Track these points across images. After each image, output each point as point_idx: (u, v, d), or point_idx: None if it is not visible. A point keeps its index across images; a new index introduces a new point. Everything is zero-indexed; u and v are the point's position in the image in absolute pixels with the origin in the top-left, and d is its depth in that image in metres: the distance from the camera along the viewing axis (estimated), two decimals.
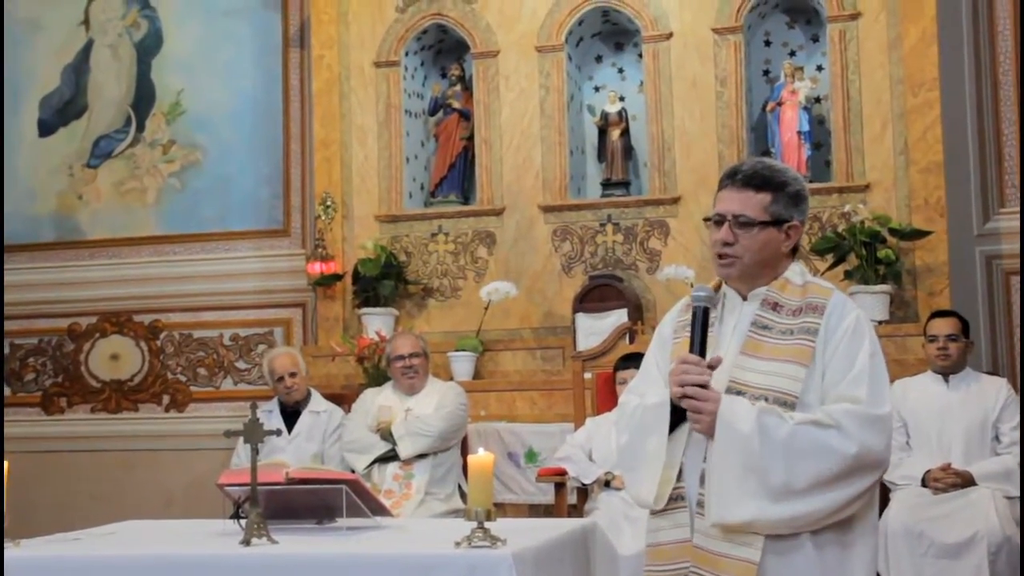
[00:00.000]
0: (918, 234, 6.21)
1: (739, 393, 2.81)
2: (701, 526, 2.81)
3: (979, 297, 6.61)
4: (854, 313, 2.86)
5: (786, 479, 2.71)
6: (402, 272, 6.93)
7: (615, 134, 6.97)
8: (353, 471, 5.58)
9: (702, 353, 2.84)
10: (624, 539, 5.02)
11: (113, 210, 7.93)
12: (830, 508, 2.74)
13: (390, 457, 5.76)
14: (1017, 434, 5.37)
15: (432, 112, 7.37)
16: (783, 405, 2.79)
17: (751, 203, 2.88)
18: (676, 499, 2.88)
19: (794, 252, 2.97)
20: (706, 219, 3.01)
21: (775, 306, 2.89)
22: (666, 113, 6.74)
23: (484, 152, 7.00)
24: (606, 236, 6.83)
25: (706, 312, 2.87)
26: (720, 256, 2.91)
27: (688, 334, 2.89)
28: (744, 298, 2.94)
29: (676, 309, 3.08)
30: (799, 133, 6.61)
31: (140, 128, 7.94)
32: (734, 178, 2.91)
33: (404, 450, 5.69)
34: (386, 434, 5.74)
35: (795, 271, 2.94)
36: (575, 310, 6.60)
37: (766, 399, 2.79)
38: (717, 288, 2.99)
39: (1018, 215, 6.49)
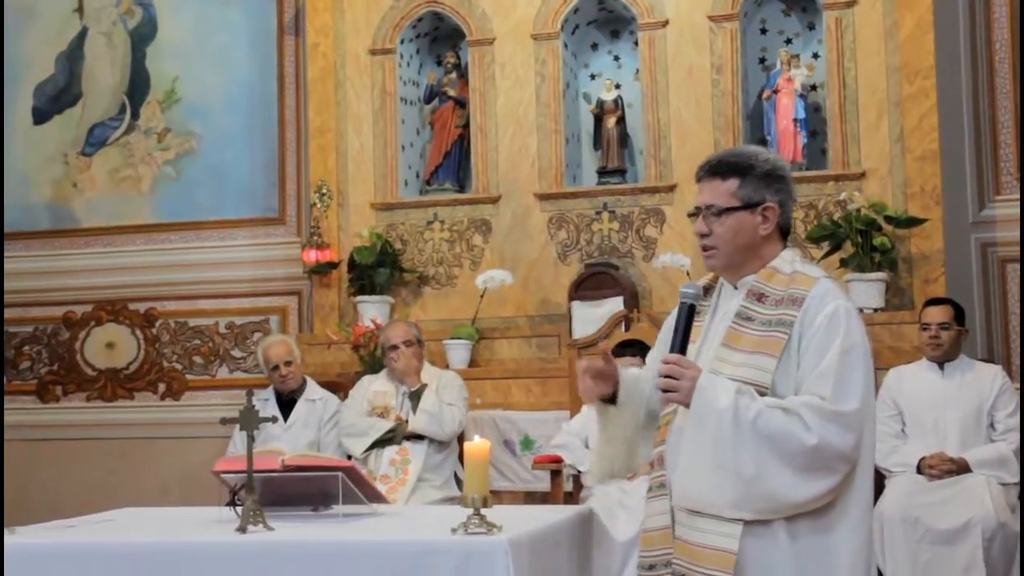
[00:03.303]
0: (914, 222, 6.21)
1: None
2: (681, 517, 2.82)
3: (974, 284, 6.61)
4: (832, 305, 2.80)
5: (749, 459, 2.70)
6: (397, 260, 6.92)
7: (611, 122, 6.96)
8: (350, 457, 5.60)
9: (683, 350, 2.84)
10: (619, 526, 5.04)
11: (108, 198, 7.91)
12: (791, 498, 2.71)
13: (387, 440, 5.78)
14: (1012, 421, 5.38)
15: (428, 100, 7.36)
16: None
17: (719, 191, 2.90)
18: (659, 487, 2.89)
19: (785, 236, 2.95)
20: (689, 215, 3.04)
21: (760, 297, 2.87)
22: (662, 101, 6.73)
23: (480, 140, 6.99)
24: (602, 224, 6.82)
25: (691, 309, 2.88)
26: (703, 249, 2.94)
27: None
28: (735, 288, 2.94)
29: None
30: (795, 121, 6.61)
31: (135, 116, 7.92)
32: (704, 170, 2.95)
33: (415, 421, 5.72)
34: (415, 396, 5.78)
35: (785, 259, 2.91)
36: (571, 298, 6.60)
37: None
38: (715, 282, 3.00)
39: (1013, 202, 6.49)
